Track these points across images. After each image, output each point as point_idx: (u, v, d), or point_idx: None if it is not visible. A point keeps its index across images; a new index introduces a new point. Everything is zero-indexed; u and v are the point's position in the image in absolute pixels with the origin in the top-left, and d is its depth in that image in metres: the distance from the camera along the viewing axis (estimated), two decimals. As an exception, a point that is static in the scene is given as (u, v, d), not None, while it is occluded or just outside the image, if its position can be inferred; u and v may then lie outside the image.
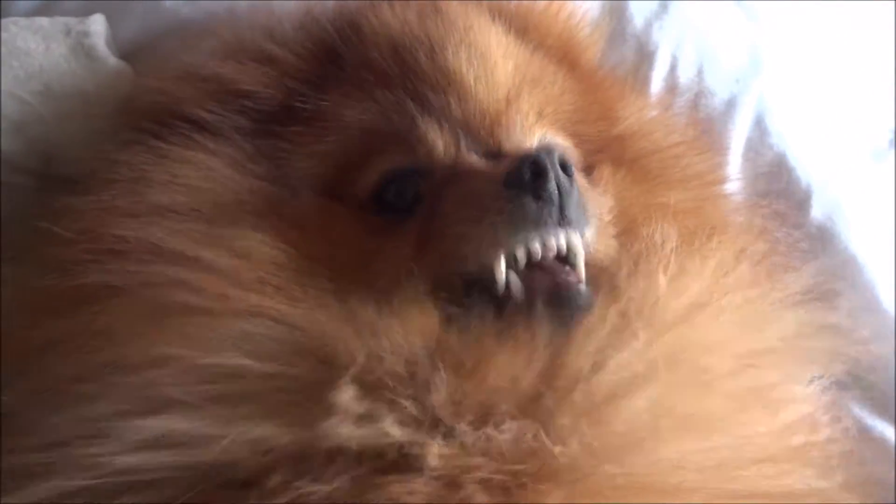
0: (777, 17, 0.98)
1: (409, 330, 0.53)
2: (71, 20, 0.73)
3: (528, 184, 0.55)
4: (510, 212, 0.55)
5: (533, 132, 0.66)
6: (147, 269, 0.55)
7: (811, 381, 0.66)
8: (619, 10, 0.90)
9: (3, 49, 0.69)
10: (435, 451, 0.49)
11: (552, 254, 0.56)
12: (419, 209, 0.60)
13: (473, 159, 0.60)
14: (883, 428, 0.81)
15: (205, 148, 0.64)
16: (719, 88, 0.89)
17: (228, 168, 0.63)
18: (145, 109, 0.67)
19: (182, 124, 0.64)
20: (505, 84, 0.65)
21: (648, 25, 0.90)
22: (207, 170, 0.63)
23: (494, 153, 0.62)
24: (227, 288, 0.55)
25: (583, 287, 0.57)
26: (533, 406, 0.51)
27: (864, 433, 0.80)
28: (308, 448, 0.49)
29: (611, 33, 0.88)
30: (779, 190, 0.88)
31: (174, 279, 0.54)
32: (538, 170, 0.55)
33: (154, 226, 0.58)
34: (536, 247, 0.55)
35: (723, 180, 0.82)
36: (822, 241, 0.86)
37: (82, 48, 0.71)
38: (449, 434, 0.50)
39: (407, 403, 0.50)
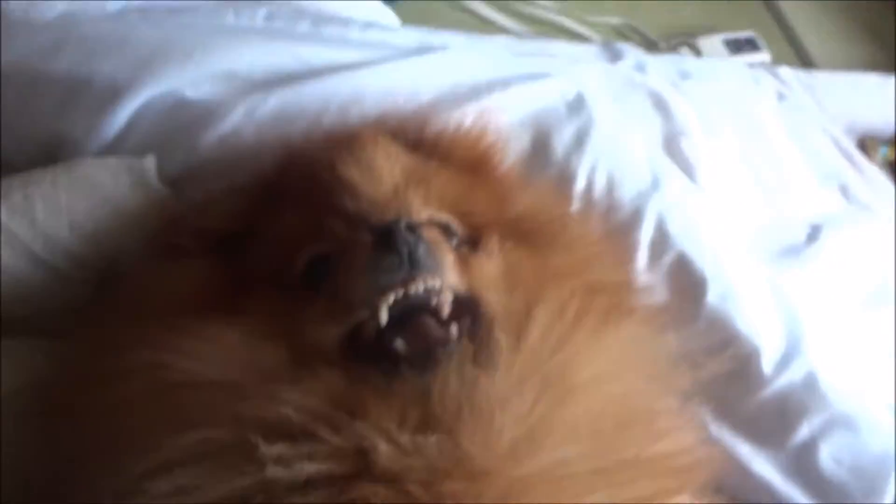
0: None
1: (311, 389, 0.68)
2: (133, 160, 0.98)
3: (382, 243, 0.74)
4: (372, 264, 0.73)
5: (420, 214, 0.81)
6: (144, 357, 0.72)
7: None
8: (545, 146, 1.15)
9: (85, 183, 0.94)
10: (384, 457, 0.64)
11: (417, 294, 0.73)
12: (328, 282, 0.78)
13: (364, 237, 0.78)
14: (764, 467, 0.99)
15: (185, 266, 0.85)
16: (626, 202, 1.11)
17: (199, 281, 0.83)
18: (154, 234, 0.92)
19: (172, 248, 0.88)
20: (390, 181, 0.83)
21: (568, 155, 1.14)
22: (185, 284, 0.83)
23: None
24: (194, 365, 0.71)
25: (451, 336, 0.73)
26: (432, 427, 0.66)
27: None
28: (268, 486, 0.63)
29: (539, 162, 1.13)
30: (681, 280, 1.07)
31: (162, 363, 0.71)
32: (387, 231, 0.74)
33: (148, 323, 0.76)
34: (398, 288, 0.73)
35: (606, 245, 1.00)
36: (714, 320, 1.04)
37: (142, 180, 0.96)
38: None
39: (317, 446, 0.64)
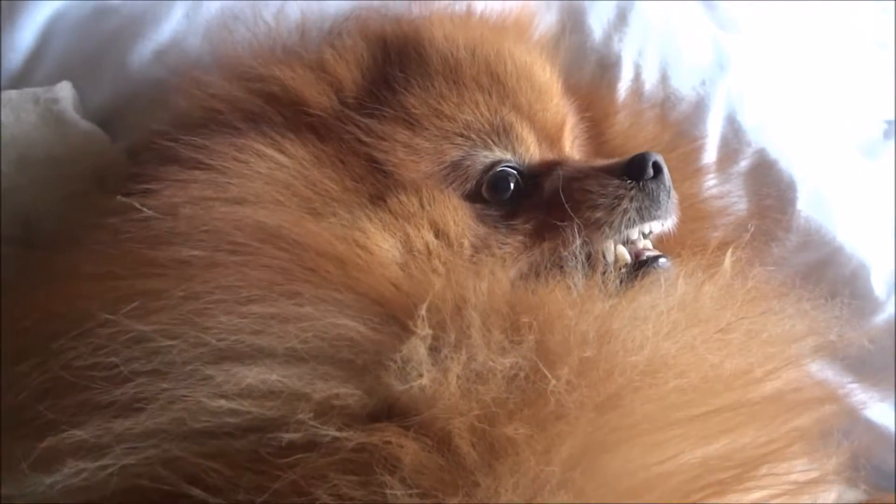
0: (746, 16, 1.00)
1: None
2: (38, 90, 0.76)
3: (648, 177, 0.68)
4: (640, 199, 0.68)
5: (571, 147, 0.77)
6: None
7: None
8: (578, 26, 0.91)
9: (-24, 123, 0.71)
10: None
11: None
12: (526, 202, 0.69)
13: (573, 160, 0.72)
14: (881, 412, 0.80)
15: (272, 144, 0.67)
16: (686, 91, 0.89)
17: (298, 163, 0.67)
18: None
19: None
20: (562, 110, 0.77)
21: (608, 37, 0.90)
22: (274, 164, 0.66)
23: (558, 161, 0.72)
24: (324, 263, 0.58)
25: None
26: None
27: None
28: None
29: (572, 49, 0.89)
30: (764, 185, 0.88)
31: None
32: (658, 167, 0.68)
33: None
34: (654, 228, 0.69)
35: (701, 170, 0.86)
36: (808, 232, 0.86)
37: (52, 114, 0.73)
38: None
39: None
